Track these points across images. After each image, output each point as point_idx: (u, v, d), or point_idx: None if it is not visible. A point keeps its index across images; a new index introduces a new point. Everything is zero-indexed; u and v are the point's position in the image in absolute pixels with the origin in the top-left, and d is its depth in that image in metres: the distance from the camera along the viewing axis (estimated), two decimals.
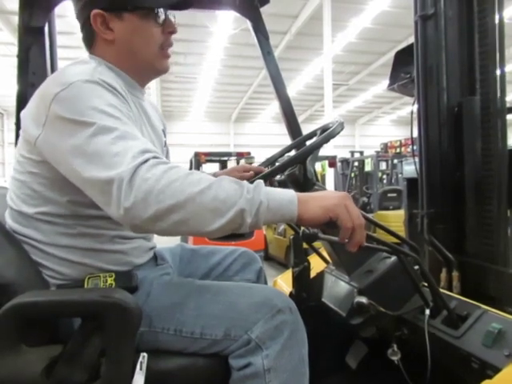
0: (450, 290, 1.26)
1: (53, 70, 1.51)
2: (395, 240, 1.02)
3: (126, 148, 0.76)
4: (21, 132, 0.92)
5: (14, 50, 1.45)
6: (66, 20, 9.40)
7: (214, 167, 7.98)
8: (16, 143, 1.45)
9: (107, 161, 0.75)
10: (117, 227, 0.96)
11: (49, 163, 0.86)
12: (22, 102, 1.43)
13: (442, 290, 1.09)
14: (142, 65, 1.01)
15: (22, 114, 0.91)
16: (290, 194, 0.80)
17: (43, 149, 0.85)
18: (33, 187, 0.91)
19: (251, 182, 1.18)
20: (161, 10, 0.97)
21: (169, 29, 1.01)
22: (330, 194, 0.82)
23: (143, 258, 1.04)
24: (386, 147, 13.88)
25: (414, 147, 1.54)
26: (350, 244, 0.81)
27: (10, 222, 0.96)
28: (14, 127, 1.45)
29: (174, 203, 0.72)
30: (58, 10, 1.49)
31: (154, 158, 0.76)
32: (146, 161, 0.75)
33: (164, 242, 1.19)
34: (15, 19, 1.43)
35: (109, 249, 0.95)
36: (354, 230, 0.79)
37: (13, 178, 0.96)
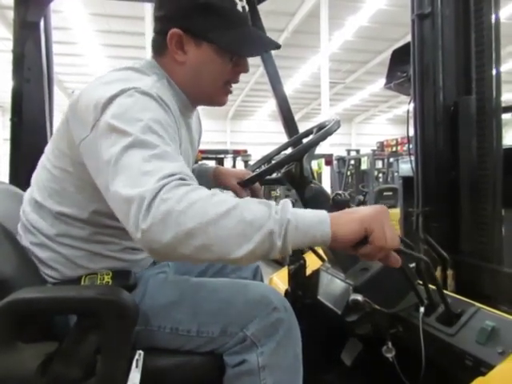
0: (445, 287, 1.27)
1: (48, 65, 1.51)
2: None
3: (157, 168, 0.70)
4: (64, 121, 0.88)
5: (10, 45, 1.44)
6: (61, 15, 9.36)
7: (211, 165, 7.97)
8: (11, 138, 1.45)
9: (134, 178, 0.69)
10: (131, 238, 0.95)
11: (84, 164, 0.83)
12: (17, 97, 1.42)
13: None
14: (202, 94, 0.99)
15: (74, 106, 0.85)
16: (320, 212, 0.72)
17: (85, 151, 0.81)
18: (63, 185, 0.90)
19: (247, 181, 1.19)
20: None
21: (241, 68, 0.98)
22: (364, 208, 0.74)
23: (145, 267, 1.04)
24: (382, 146, 13.90)
25: (410, 146, 1.55)
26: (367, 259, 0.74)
27: (27, 210, 0.94)
28: (9, 123, 1.44)
29: (195, 226, 0.65)
30: (53, 5, 1.48)
31: (181, 179, 0.70)
32: (170, 182, 0.69)
33: None
34: (11, 14, 1.42)
35: (117, 257, 0.95)
36: (384, 251, 0.71)
37: (44, 168, 0.93)
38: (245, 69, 0.98)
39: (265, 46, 0.99)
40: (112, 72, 0.88)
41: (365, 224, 0.70)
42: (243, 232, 0.67)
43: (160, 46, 0.95)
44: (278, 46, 0.98)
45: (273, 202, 0.72)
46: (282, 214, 0.69)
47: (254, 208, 0.69)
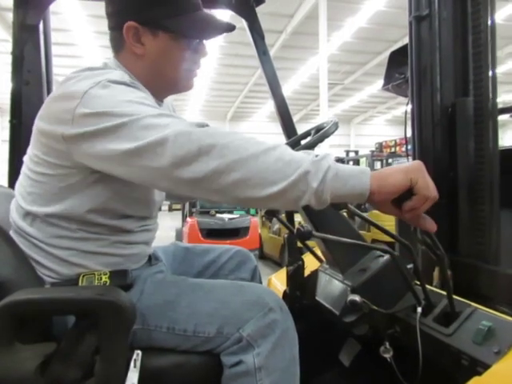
0: (443, 288, 1.27)
1: (47, 67, 1.51)
2: (389, 239, 1.03)
3: (175, 121, 0.73)
4: (35, 132, 0.90)
5: (9, 47, 1.44)
6: (60, 17, 9.37)
7: None
8: (10, 140, 1.45)
9: (157, 129, 0.71)
10: (120, 233, 0.96)
11: (66, 167, 0.84)
12: (16, 99, 1.43)
13: (434, 289, 1.10)
14: (167, 83, 1.01)
15: (40, 115, 0.88)
16: (361, 166, 0.74)
17: (71, 144, 0.81)
18: (45, 188, 0.90)
19: None
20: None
21: (200, 53, 1.00)
22: (403, 164, 0.76)
23: (140, 263, 1.04)
24: (380, 147, 13.93)
25: (408, 147, 1.55)
26: (416, 220, 0.77)
27: (15, 217, 0.95)
28: (8, 125, 1.45)
29: (237, 159, 0.68)
30: (52, 7, 1.48)
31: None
32: (203, 125, 0.73)
33: (157, 243, 1.19)
34: (10, 16, 1.43)
35: (109, 252, 0.95)
36: (429, 202, 0.73)
37: (25, 174, 0.94)
38: (203, 53, 1.01)
39: (218, 29, 1.00)
40: (74, 73, 0.87)
41: (410, 174, 0.72)
42: (281, 169, 0.69)
43: (118, 43, 0.97)
44: (231, 28, 0.99)
45: (313, 152, 0.74)
46: (322, 159, 0.70)
47: (292, 152, 0.72)
